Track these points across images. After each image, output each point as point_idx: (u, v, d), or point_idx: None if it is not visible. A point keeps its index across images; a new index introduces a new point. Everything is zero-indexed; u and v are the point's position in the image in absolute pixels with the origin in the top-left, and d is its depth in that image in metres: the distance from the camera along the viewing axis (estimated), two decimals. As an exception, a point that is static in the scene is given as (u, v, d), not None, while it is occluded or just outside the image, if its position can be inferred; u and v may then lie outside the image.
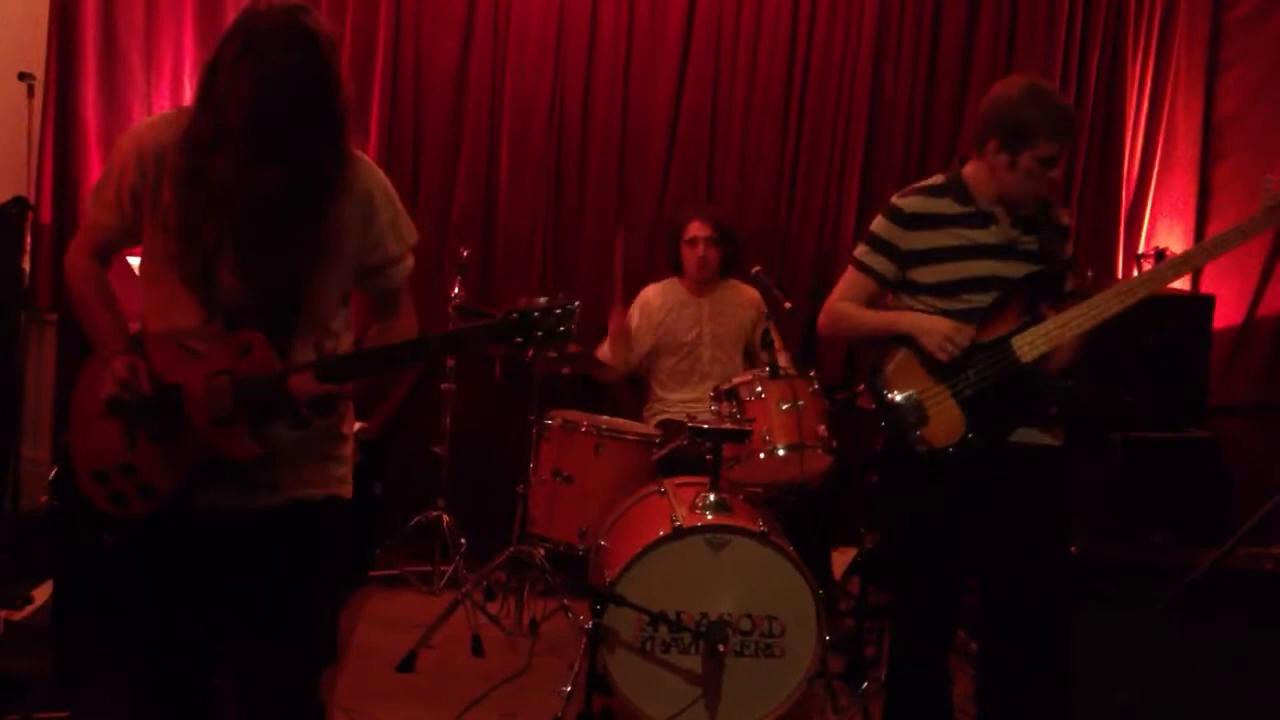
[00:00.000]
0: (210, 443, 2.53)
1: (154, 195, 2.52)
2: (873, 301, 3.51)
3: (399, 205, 2.74)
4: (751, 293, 5.36)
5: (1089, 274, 5.45)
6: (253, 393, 2.49)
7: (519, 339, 2.43)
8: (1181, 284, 5.89)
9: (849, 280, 3.53)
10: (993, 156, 3.33)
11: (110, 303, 2.66)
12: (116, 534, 2.69)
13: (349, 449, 2.81)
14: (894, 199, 3.48)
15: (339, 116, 2.45)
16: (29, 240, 5.37)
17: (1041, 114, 3.25)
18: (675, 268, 5.41)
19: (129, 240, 2.63)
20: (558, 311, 2.42)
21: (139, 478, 2.58)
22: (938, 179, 3.48)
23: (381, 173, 2.73)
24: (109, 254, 2.69)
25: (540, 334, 2.42)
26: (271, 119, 2.34)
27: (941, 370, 3.31)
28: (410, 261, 2.80)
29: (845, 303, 3.51)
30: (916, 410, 3.34)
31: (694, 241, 5.30)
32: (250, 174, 2.37)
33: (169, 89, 5.70)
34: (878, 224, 3.46)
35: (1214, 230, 6.18)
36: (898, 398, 3.37)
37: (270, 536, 2.64)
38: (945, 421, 3.32)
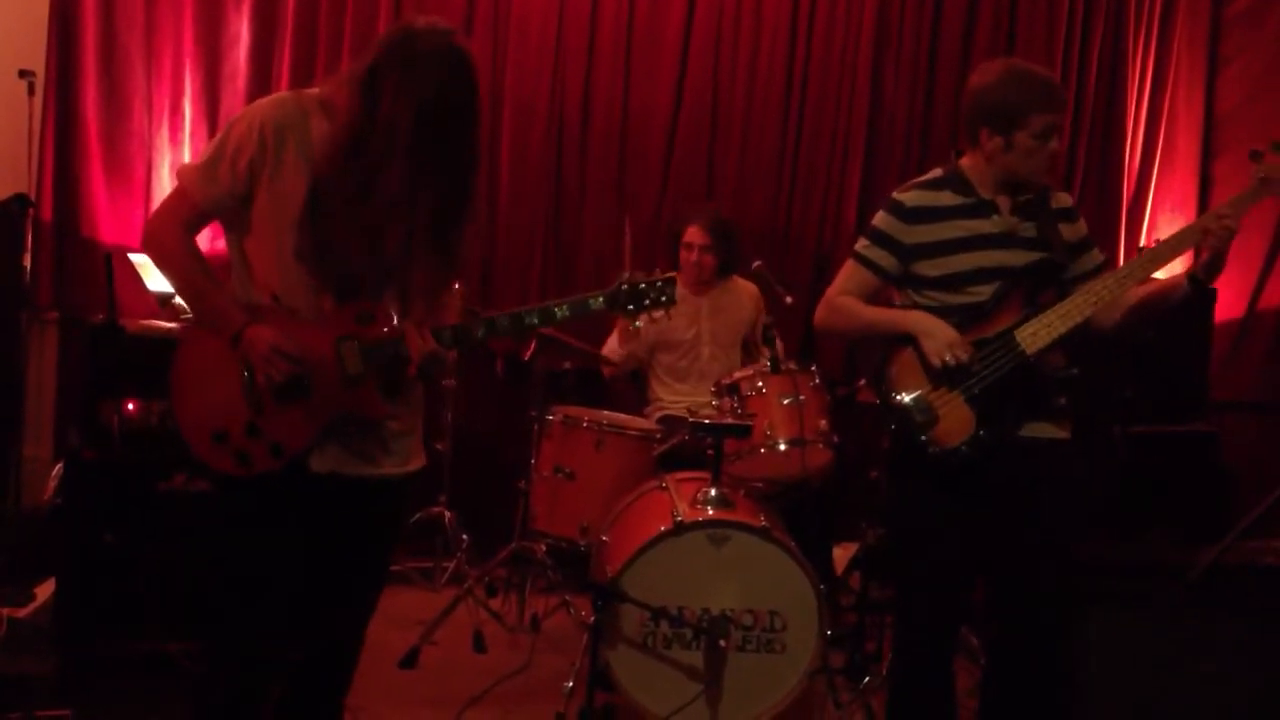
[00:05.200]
0: (343, 404, 2.74)
1: (273, 170, 2.67)
2: (872, 297, 3.46)
3: None
4: (751, 288, 5.35)
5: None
6: (381, 355, 2.73)
7: (630, 305, 2.87)
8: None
9: (848, 274, 3.48)
10: (987, 144, 3.31)
11: (213, 274, 2.79)
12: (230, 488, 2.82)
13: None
14: (895, 194, 3.45)
15: (480, 133, 2.77)
16: (30, 238, 5.36)
17: (1025, 91, 3.25)
18: (675, 265, 5.40)
19: (227, 212, 2.75)
20: (659, 283, 2.88)
21: (267, 438, 2.73)
22: (936, 173, 3.46)
23: None
24: (201, 226, 2.80)
25: (648, 301, 2.87)
26: (438, 138, 2.63)
27: (948, 372, 3.29)
28: None
29: (845, 297, 3.46)
30: (925, 411, 3.30)
31: (690, 247, 5.29)
32: (418, 187, 2.63)
33: (169, 86, 5.70)
34: (879, 218, 3.44)
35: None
36: (905, 399, 3.33)
37: (379, 504, 2.89)
38: (955, 420, 3.29)
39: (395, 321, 2.75)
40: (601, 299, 2.86)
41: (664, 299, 2.88)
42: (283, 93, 2.84)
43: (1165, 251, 3.29)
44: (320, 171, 2.65)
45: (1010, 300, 3.30)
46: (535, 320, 2.84)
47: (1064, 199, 3.48)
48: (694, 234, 5.29)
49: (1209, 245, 3.15)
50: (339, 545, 2.86)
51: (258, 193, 2.69)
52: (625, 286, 2.87)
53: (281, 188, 2.68)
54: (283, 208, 2.68)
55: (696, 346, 5.34)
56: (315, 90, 2.77)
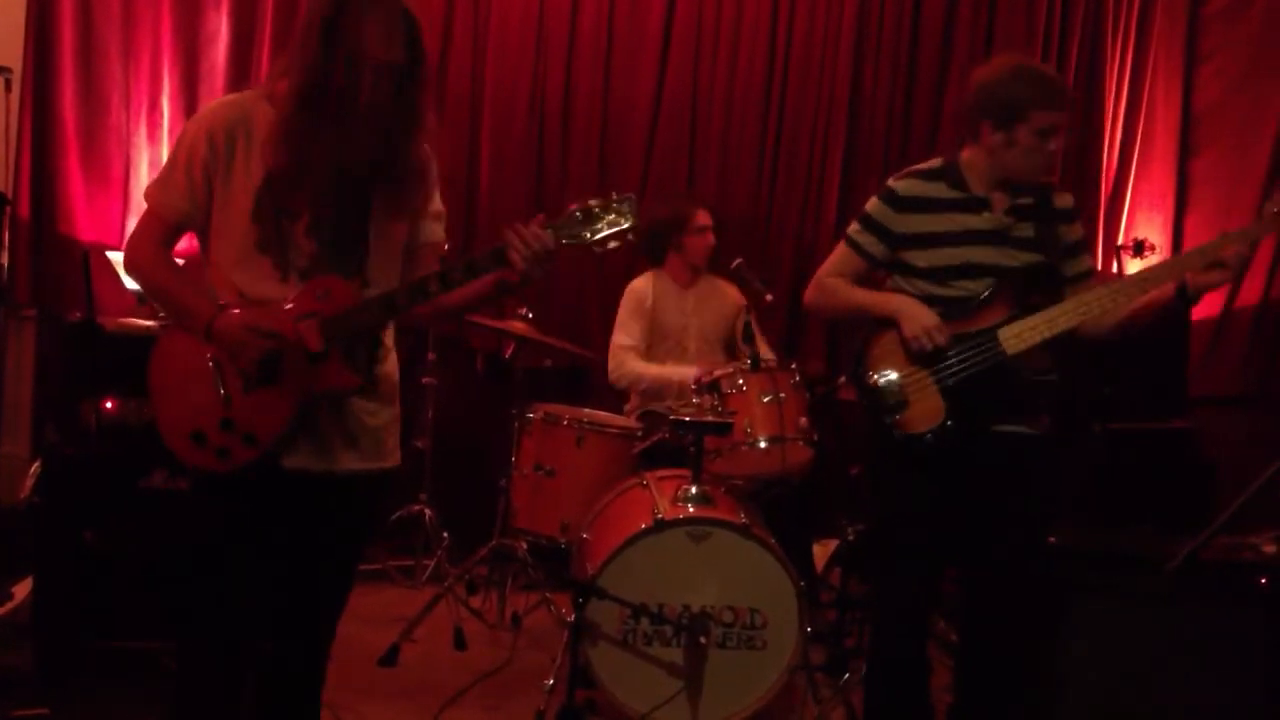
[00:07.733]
0: (312, 382, 2.70)
1: (225, 170, 2.69)
2: (861, 281, 3.50)
3: None
4: (732, 290, 5.34)
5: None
6: (341, 327, 2.69)
7: (588, 234, 2.65)
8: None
9: (839, 256, 3.52)
10: (989, 138, 3.31)
11: (186, 279, 2.79)
12: (206, 487, 2.81)
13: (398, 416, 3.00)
14: (890, 180, 3.47)
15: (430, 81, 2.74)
16: (7, 236, 5.33)
17: (1031, 87, 3.26)
18: (657, 260, 5.37)
19: (195, 223, 2.75)
20: (615, 202, 2.64)
21: (240, 429, 2.71)
22: (934, 162, 3.48)
23: None
24: (175, 239, 2.80)
25: (606, 223, 2.64)
26: (406, 46, 2.60)
27: (925, 356, 3.31)
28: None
29: (834, 278, 3.50)
30: (897, 395, 3.33)
31: (703, 230, 5.29)
32: (396, 97, 2.61)
33: (147, 83, 5.67)
34: (872, 204, 3.46)
35: (1193, 221, 6.22)
36: (880, 380, 3.37)
37: (348, 501, 2.85)
38: (925, 408, 3.31)
39: (356, 293, 2.72)
40: (551, 230, 2.66)
41: (625, 223, 2.63)
42: (228, 95, 2.87)
43: (1163, 272, 3.30)
44: (275, 137, 2.64)
45: (1000, 299, 3.32)
46: (490, 264, 2.74)
47: (1066, 200, 3.48)
48: (705, 216, 5.31)
49: (1224, 271, 3.17)
50: (308, 542, 2.85)
51: (216, 195, 2.71)
52: (579, 212, 2.66)
53: (236, 185, 2.69)
54: (240, 204, 2.69)
55: (684, 338, 5.32)
56: (261, 88, 2.78)
